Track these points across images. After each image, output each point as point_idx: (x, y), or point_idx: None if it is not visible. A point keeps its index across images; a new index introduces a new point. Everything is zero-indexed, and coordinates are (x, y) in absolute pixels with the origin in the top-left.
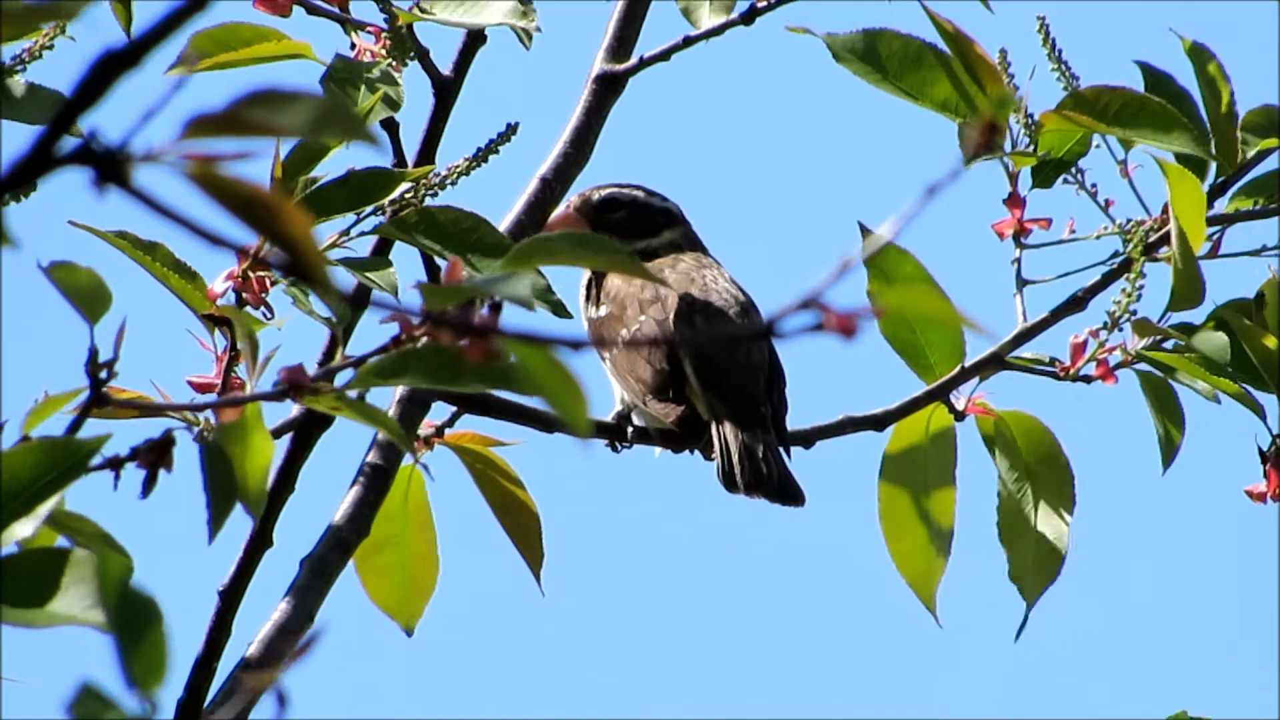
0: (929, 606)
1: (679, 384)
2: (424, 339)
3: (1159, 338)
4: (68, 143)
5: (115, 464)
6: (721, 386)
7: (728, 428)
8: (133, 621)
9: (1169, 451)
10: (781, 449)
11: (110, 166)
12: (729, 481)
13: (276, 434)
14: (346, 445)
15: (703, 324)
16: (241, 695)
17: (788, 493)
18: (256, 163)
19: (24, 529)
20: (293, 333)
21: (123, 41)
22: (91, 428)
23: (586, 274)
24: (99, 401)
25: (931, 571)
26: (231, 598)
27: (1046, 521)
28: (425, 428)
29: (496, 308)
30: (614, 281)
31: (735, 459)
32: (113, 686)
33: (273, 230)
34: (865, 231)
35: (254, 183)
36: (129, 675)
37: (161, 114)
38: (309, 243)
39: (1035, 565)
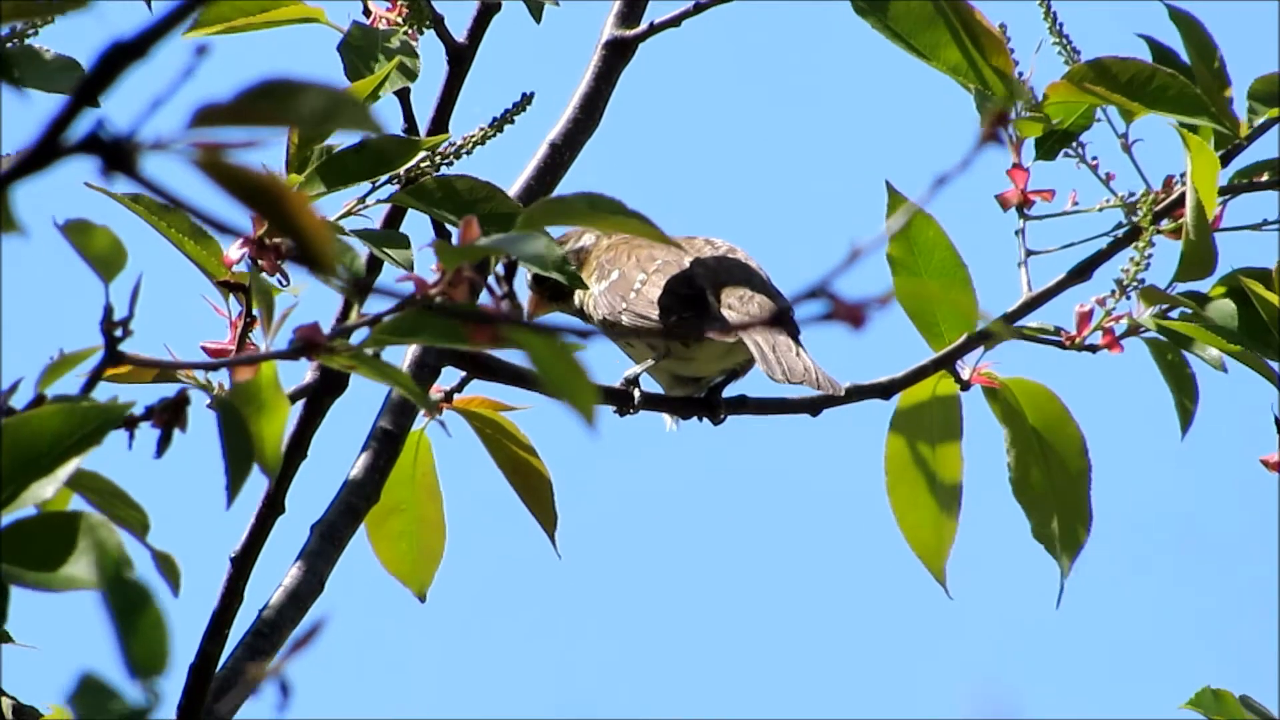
0: (939, 578)
1: (702, 309)
2: (439, 298)
3: (1166, 306)
4: (76, 131)
5: (130, 423)
6: (745, 308)
7: (758, 335)
8: (130, 608)
9: (1185, 417)
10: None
11: (118, 155)
12: (770, 374)
13: (290, 400)
14: (357, 412)
15: (715, 264)
16: (243, 687)
17: (824, 382)
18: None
19: (44, 491)
20: (308, 298)
21: (130, 32)
22: (104, 390)
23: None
24: (114, 360)
25: (941, 543)
26: (243, 564)
27: (1063, 487)
28: (434, 393)
29: (511, 267)
30: (603, 256)
31: (772, 355)
32: (115, 676)
33: (281, 218)
34: (892, 191)
35: (263, 171)
36: (130, 664)
37: (173, 85)
38: (318, 231)
39: (1062, 529)
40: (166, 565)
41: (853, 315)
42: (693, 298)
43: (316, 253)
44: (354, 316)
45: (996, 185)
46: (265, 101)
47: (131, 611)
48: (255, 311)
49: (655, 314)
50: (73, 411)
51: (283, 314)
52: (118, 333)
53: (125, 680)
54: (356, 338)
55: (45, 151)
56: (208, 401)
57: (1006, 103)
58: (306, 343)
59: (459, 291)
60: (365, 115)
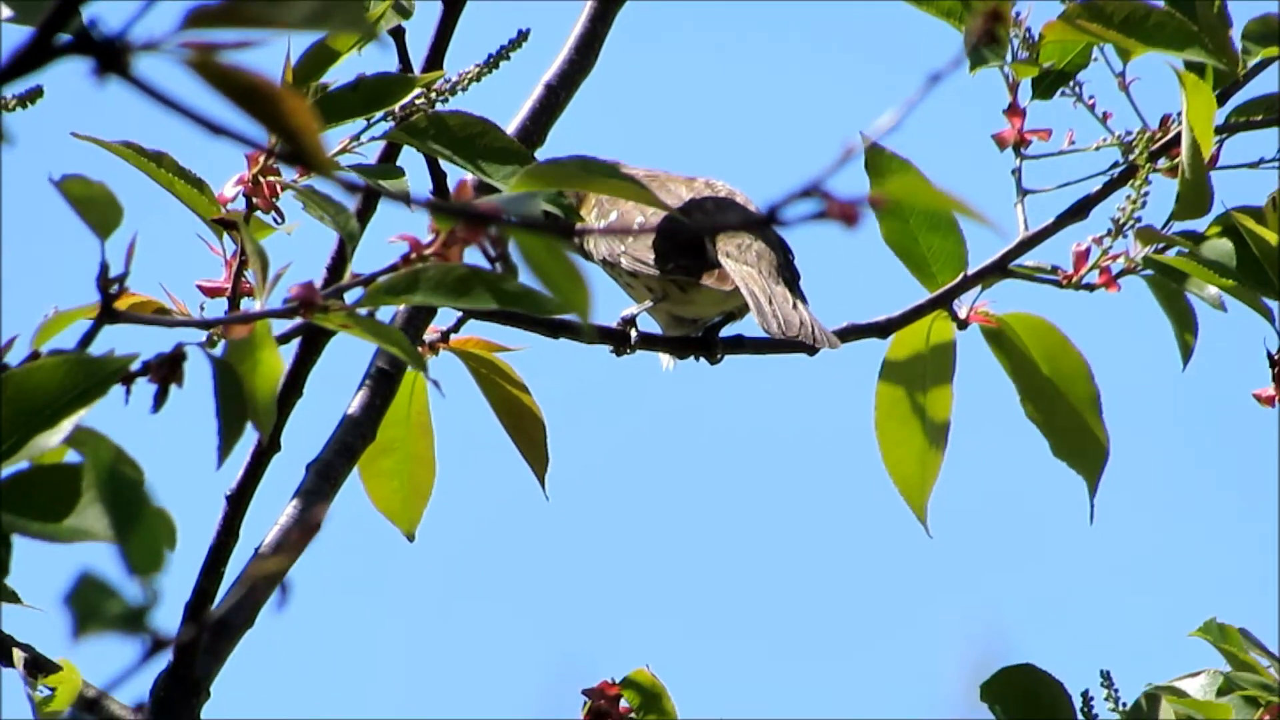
0: (920, 516)
1: (699, 257)
2: (433, 257)
3: (1162, 245)
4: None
5: (127, 378)
6: (744, 256)
7: (755, 285)
8: (126, 508)
9: (1185, 351)
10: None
11: (110, 56)
12: (766, 327)
13: (284, 340)
14: (353, 350)
15: (714, 208)
16: (245, 582)
17: (820, 336)
18: (266, 65)
19: (47, 442)
20: (302, 239)
21: None
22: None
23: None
24: (110, 317)
25: (924, 480)
26: (239, 502)
27: (1073, 414)
28: (431, 333)
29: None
30: (603, 196)
31: (769, 308)
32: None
33: (274, 119)
34: (869, 148)
35: (254, 71)
36: (128, 561)
37: (163, 8)
38: (310, 130)
39: (1081, 450)
40: (162, 522)
41: (846, 213)
42: (691, 242)
43: (309, 152)
44: (348, 265)
45: (993, 124)
46: (257, 2)
47: (128, 508)
48: (249, 258)
49: (652, 258)
50: (77, 364)
51: (277, 273)
52: (114, 290)
53: (124, 579)
54: (351, 297)
55: (37, 52)
56: (201, 341)
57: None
58: (301, 302)
59: (454, 252)
60: (358, 17)
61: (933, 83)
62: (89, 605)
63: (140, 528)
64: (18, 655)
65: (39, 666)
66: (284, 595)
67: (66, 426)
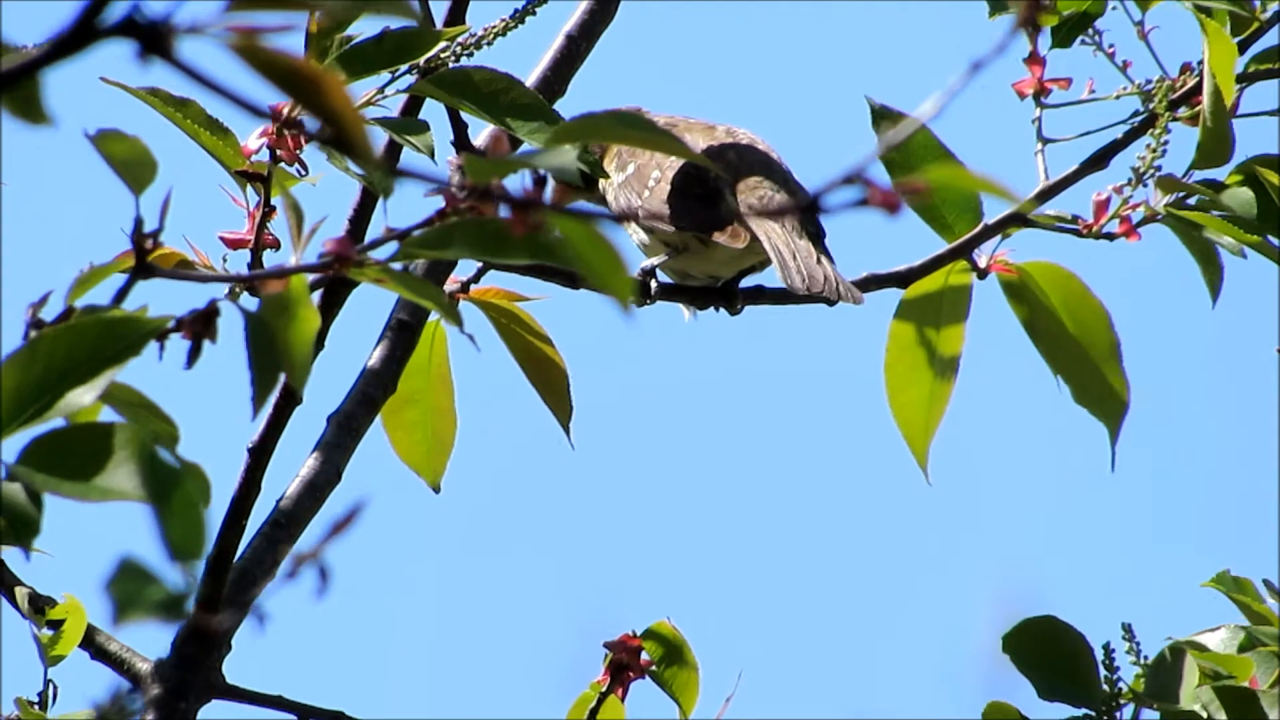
0: (920, 462)
1: (718, 211)
2: (468, 212)
3: (1183, 194)
4: (111, 14)
5: (160, 334)
6: (766, 211)
7: (779, 240)
8: (167, 489)
9: (1213, 289)
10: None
11: (154, 39)
12: (790, 282)
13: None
14: (373, 302)
15: (735, 159)
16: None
17: (844, 291)
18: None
19: (81, 400)
20: (326, 189)
21: None
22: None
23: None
24: (144, 272)
25: (929, 424)
26: (261, 455)
27: (1092, 364)
28: (451, 283)
29: (540, 181)
30: (623, 146)
31: (793, 264)
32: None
33: (315, 102)
34: (875, 108)
35: (297, 55)
36: (169, 546)
37: None
38: (352, 115)
39: (1103, 397)
40: (196, 478)
41: (888, 201)
42: (708, 196)
43: (350, 137)
44: (382, 229)
45: (1013, 74)
46: None
47: (167, 491)
48: (274, 201)
49: (669, 214)
50: (112, 324)
51: (313, 226)
52: (148, 245)
53: (164, 564)
54: (385, 251)
55: (80, 34)
56: (225, 293)
57: None
58: (336, 256)
59: (488, 206)
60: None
61: (974, 70)
62: (129, 592)
63: (175, 488)
64: (20, 593)
65: (38, 603)
66: (324, 581)
67: (100, 384)
